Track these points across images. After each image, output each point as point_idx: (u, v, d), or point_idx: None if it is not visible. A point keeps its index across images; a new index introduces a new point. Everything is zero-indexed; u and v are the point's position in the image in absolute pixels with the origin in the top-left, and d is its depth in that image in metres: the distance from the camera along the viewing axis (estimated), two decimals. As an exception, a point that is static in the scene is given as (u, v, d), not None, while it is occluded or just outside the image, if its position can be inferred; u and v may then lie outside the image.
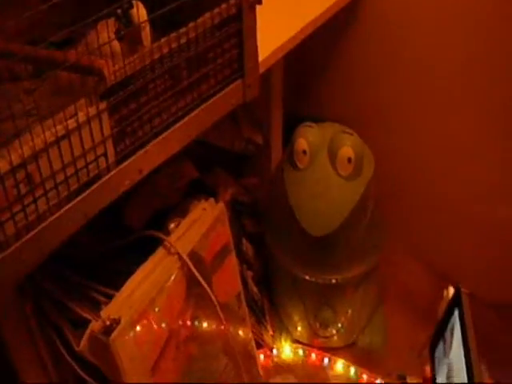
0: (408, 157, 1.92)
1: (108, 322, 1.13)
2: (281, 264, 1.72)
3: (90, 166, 0.89)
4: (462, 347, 0.60)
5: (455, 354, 0.61)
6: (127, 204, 1.37)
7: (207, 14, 1.02)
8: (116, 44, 0.86)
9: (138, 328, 1.18)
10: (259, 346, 1.75)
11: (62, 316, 1.21)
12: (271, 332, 1.81)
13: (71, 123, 0.84)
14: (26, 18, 0.75)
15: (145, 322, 1.20)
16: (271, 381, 1.70)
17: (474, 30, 1.63)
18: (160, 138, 0.99)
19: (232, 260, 1.49)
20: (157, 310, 1.23)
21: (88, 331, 1.14)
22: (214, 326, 1.44)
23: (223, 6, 1.04)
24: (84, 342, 1.15)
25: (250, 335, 1.63)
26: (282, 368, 1.75)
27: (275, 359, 1.77)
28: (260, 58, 1.18)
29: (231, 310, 1.50)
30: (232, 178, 1.73)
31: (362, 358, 1.77)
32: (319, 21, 1.57)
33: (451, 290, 0.70)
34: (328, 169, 1.55)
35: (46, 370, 1.24)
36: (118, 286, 1.20)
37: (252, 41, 1.13)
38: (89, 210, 0.92)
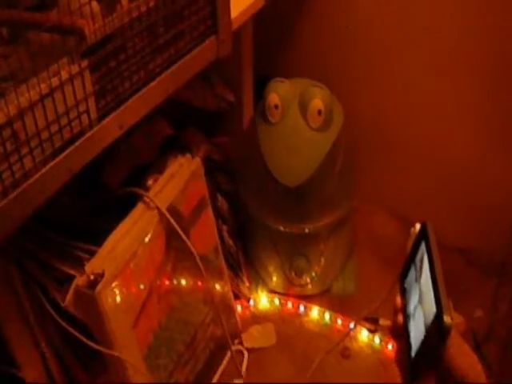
0: (374, 108, 1.96)
1: (92, 277, 1.16)
2: (255, 217, 1.76)
3: (73, 123, 0.92)
4: (429, 275, 0.65)
5: (425, 280, 0.66)
6: (105, 163, 1.38)
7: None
8: (95, 4, 0.87)
9: (122, 280, 1.20)
10: (236, 297, 1.79)
11: (46, 275, 1.23)
12: (247, 283, 1.85)
13: (54, 81, 0.86)
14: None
15: (128, 274, 1.22)
16: (251, 329, 1.75)
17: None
18: (139, 94, 1.02)
19: (209, 213, 1.52)
20: (138, 263, 1.25)
21: (73, 286, 1.16)
22: (193, 278, 1.47)
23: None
24: (69, 297, 1.16)
25: (228, 286, 1.68)
26: (259, 317, 1.80)
27: (252, 309, 1.82)
28: (232, 16, 1.20)
29: (210, 262, 1.53)
30: (204, 137, 1.75)
31: (336, 303, 1.82)
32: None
33: (418, 227, 0.73)
34: (299, 121, 1.58)
35: (32, 329, 1.26)
36: (99, 243, 1.22)
37: (224, -2, 1.15)
38: (73, 165, 0.94)
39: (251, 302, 1.83)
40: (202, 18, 1.09)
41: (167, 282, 1.40)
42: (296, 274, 1.81)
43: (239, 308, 1.80)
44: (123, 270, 1.21)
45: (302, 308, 1.82)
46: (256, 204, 1.76)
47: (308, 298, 1.85)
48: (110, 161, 1.38)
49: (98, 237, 1.24)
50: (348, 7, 1.86)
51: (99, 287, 1.14)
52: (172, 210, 1.33)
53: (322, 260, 1.82)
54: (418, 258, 0.71)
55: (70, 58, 0.88)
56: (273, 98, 1.58)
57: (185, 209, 1.40)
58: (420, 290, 0.67)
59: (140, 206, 1.30)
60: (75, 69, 0.88)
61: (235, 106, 1.77)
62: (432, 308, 0.61)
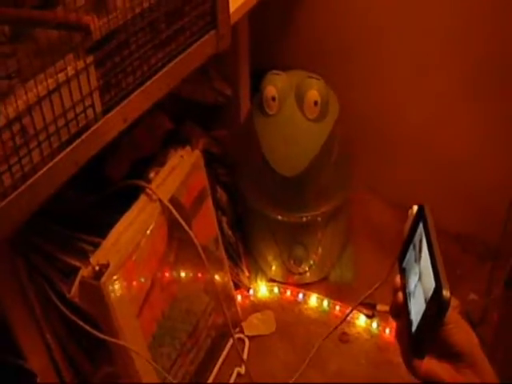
0: (369, 99, 1.98)
1: (97, 268, 1.18)
2: (254, 207, 1.79)
3: (79, 117, 0.94)
4: (428, 254, 0.67)
5: (424, 260, 0.68)
6: (108, 157, 1.40)
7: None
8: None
9: (126, 271, 1.23)
10: (236, 287, 1.82)
11: (51, 267, 1.25)
12: (247, 273, 1.88)
13: (61, 77, 0.88)
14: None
15: (131, 265, 1.25)
16: (251, 318, 1.78)
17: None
18: (142, 88, 1.04)
19: (209, 204, 1.55)
20: (142, 253, 1.28)
21: (78, 277, 1.18)
22: (195, 268, 1.50)
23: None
24: (75, 288, 1.18)
25: (228, 276, 1.70)
26: (259, 306, 1.83)
27: (252, 298, 1.85)
28: (230, 11, 1.23)
29: (210, 252, 1.56)
30: (203, 130, 1.77)
31: (334, 291, 1.86)
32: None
33: (415, 209, 0.76)
34: (296, 113, 1.61)
35: (37, 320, 1.29)
36: (103, 235, 1.24)
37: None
38: (79, 158, 0.97)
39: (251, 291, 1.86)
40: (201, 13, 1.12)
41: (170, 273, 1.42)
42: (294, 263, 1.84)
43: (239, 297, 1.82)
44: (127, 261, 1.23)
45: (300, 296, 1.85)
46: (254, 195, 1.79)
47: (306, 286, 1.88)
48: (112, 155, 1.41)
49: (102, 229, 1.25)
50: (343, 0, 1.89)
51: (104, 278, 1.16)
52: (174, 201, 1.36)
53: (320, 248, 1.85)
54: (416, 239, 0.73)
55: (76, 54, 0.90)
56: (270, 90, 1.61)
57: (186, 200, 1.42)
58: (420, 269, 0.69)
59: (142, 198, 1.33)
60: (81, 64, 0.90)
61: (232, 100, 1.79)
62: (431, 285, 0.64)
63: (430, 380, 0.67)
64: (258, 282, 1.89)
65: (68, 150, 0.94)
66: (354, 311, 1.75)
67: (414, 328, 0.67)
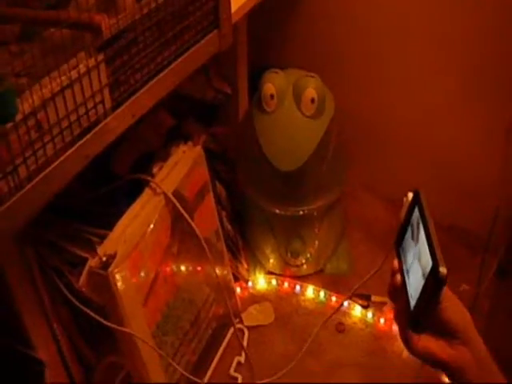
0: (364, 97, 2.01)
1: (104, 258, 1.22)
2: (253, 202, 1.83)
3: (90, 113, 0.99)
4: (424, 236, 0.71)
5: (421, 242, 0.72)
6: (113, 153, 1.45)
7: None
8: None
9: (131, 262, 1.26)
10: (236, 279, 1.86)
11: (60, 259, 1.29)
12: (246, 266, 1.91)
13: (73, 74, 0.93)
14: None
15: (137, 256, 1.29)
16: (250, 309, 1.83)
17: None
18: (149, 84, 1.09)
19: (210, 198, 1.59)
20: (147, 244, 1.32)
21: (87, 268, 1.22)
22: (197, 260, 1.54)
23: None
24: (83, 278, 1.22)
25: (228, 268, 1.75)
26: (258, 297, 1.87)
27: (251, 290, 1.89)
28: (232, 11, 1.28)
29: (211, 244, 1.60)
30: (202, 127, 1.81)
31: (330, 282, 1.90)
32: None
33: (410, 195, 0.79)
34: (294, 110, 1.65)
35: (46, 311, 1.31)
36: (109, 228, 1.28)
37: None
38: (90, 152, 1.02)
39: (250, 284, 1.90)
40: (205, 13, 1.17)
41: (173, 264, 1.46)
42: (292, 256, 1.88)
43: (238, 289, 1.86)
44: (133, 252, 1.27)
45: (298, 287, 1.88)
46: (253, 189, 1.82)
47: (303, 278, 1.91)
48: (117, 150, 1.45)
49: (108, 222, 1.29)
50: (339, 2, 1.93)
51: (112, 267, 1.20)
52: (177, 194, 1.39)
53: (317, 241, 1.90)
54: (412, 222, 0.77)
55: (88, 53, 0.95)
56: (268, 88, 1.65)
57: (189, 194, 1.46)
58: (417, 251, 0.74)
59: (147, 192, 1.36)
60: (92, 62, 0.95)
61: (231, 98, 1.83)
62: (428, 264, 0.68)
63: (427, 356, 0.71)
64: (257, 274, 1.92)
65: (79, 143, 0.98)
66: (350, 302, 1.80)
67: (412, 305, 0.71)
